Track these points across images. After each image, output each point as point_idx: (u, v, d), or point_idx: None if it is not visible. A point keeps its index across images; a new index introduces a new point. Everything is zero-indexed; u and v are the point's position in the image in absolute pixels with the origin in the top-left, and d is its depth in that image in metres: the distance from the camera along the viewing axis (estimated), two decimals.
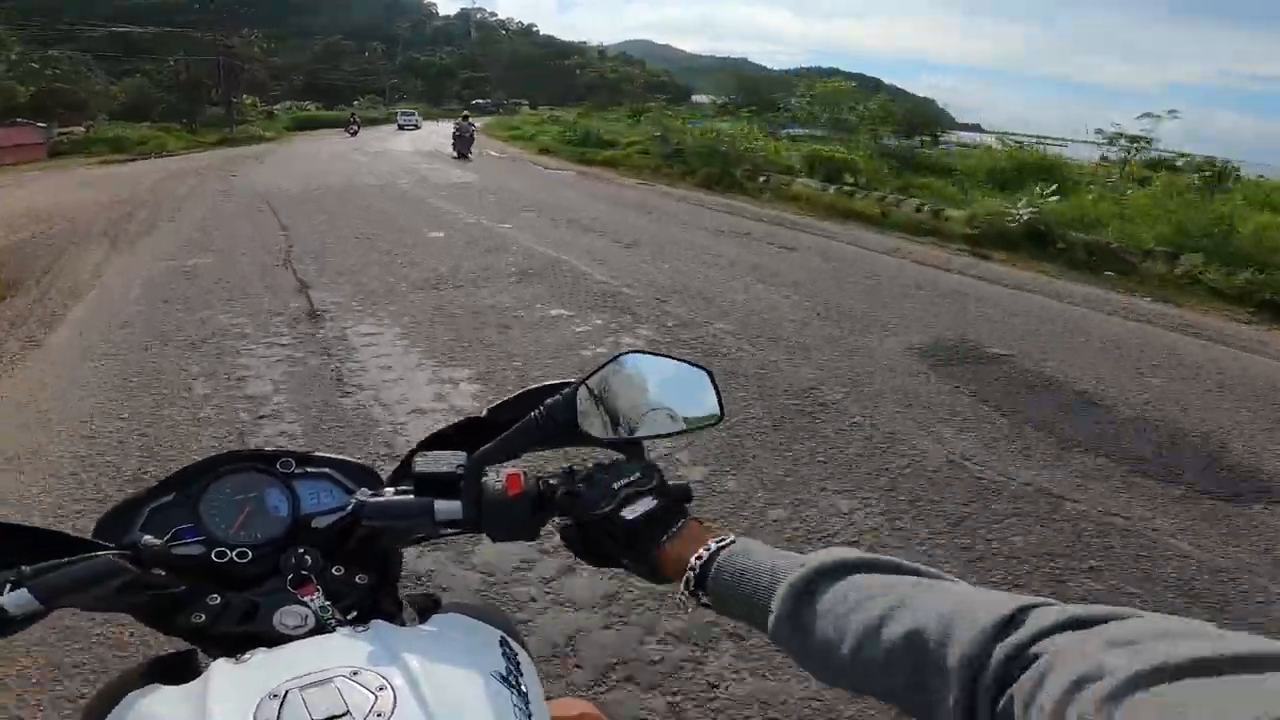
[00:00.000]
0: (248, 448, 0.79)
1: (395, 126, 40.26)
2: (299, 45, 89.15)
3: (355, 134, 31.10)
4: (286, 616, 0.58)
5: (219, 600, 0.59)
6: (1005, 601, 0.36)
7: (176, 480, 0.65)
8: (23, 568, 0.51)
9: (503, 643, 0.56)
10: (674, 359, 0.64)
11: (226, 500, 0.64)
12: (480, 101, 76.32)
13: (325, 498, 0.67)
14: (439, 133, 30.76)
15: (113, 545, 0.59)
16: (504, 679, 0.51)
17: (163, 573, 0.58)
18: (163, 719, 0.47)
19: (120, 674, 0.54)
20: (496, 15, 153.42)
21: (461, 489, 0.59)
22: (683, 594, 0.51)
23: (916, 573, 0.43)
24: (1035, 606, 0.36)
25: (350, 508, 0.62)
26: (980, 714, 0.33)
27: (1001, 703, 0.33)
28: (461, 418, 0.68)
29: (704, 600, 0.51)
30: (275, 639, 0.56)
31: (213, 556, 0.62)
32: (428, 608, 0.62)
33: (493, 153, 22.76)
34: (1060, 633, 0.33)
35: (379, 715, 0.45)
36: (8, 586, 0.50)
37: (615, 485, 0.58)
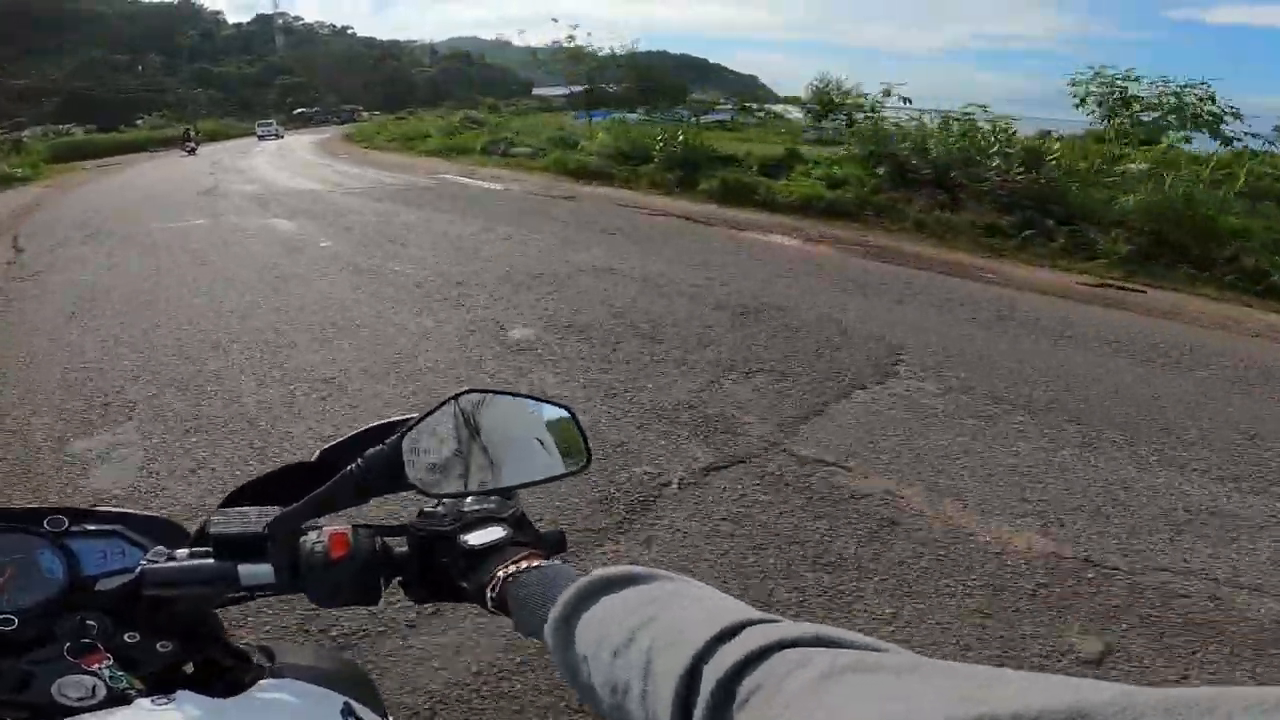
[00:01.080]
0: (13, 506, 0.62)
1: (233, 143, 35.21)
2: (54, 63, 72.41)
3: (193, 152, 26.94)
4: (67, 687, 0.51)
5: None
6: (726, 613, 0.35)
7: None
8: None
9: (345, 711, 0.50)
10: (527, 396, 0.57)
11: None
12: (304, 111, 66.34)
13: (113, 558, 0.59)
14: (301, 145, 28.40)
15: None
16: None
17: None
18: None
19: None
20: (301, 19, 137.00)
21: (269, 552, 0.52)
22: (490, 612, 0.50)
23: (683, 582, 0.41)
24: (756, 623, 0.33)
25: (136, 573, 0.55)
26: None
27: None
28: (283, 464, 0.61)
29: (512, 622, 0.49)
30: (57, 709, 0.50)
31: None
32: (260, 665, 0.56)
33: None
34: (776, 653, 0.31)
35: None
36: None
37: (463, 508, 0.56)
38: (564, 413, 0.57)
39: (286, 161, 20.67)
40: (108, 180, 15.17)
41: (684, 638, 0.34)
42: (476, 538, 0.54)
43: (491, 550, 0.53)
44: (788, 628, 0.32)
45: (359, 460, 0.52)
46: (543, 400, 0.57)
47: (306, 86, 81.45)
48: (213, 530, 0.55)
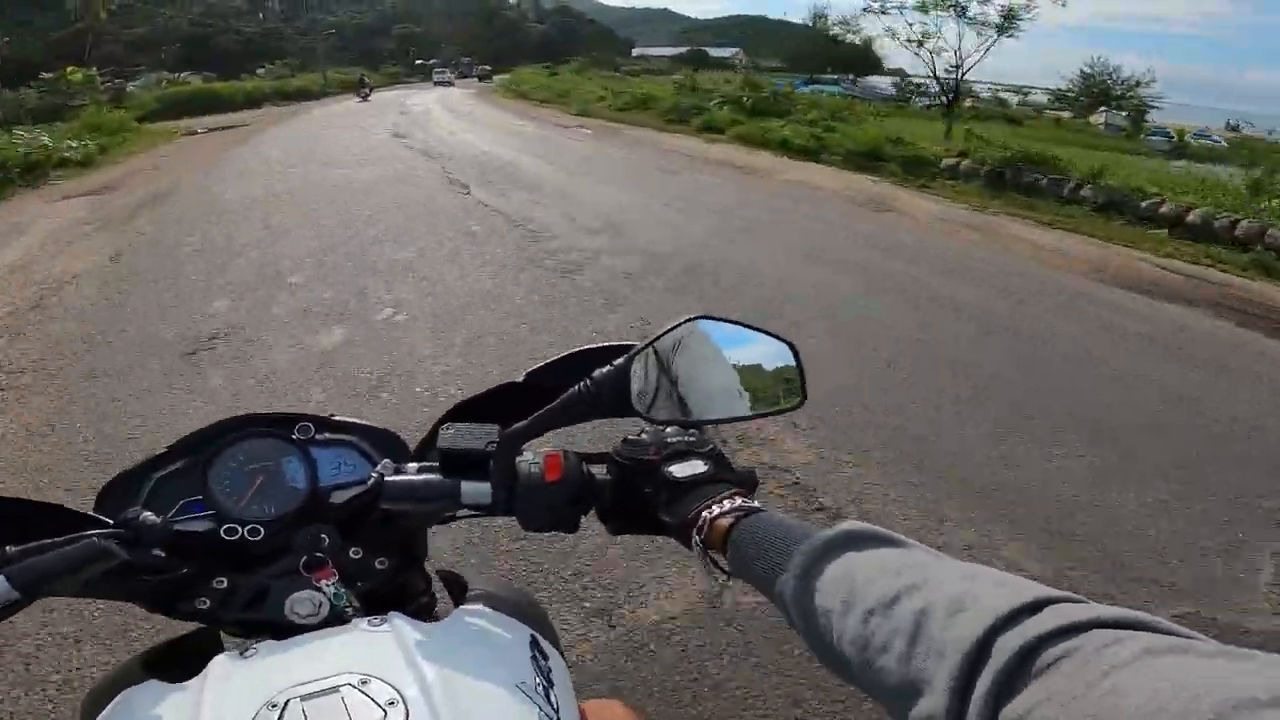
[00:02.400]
0: (264, 411, 0.62)
1: (402, 92, 32.98)
2: (179, 9, 69.91)
3: (367, 98, 26.06)
4: (298, 604, 0.54)
5: (225, 584, 0.55)
6: (1025, 589, 0.34)
7: (184, 446, 0.59)
8: (8, 548, 0.48)
9: (533, 644, 0.52)
10: (753, 328, 0.54)
11: (238, 470, 0.58)
12: (423, 62, 60.85)
13: (346, 469, 0.60)
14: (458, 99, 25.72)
15: (110, 522, 0.53)
16: (532, 691, 0.47)
17: (162, 554, 0.53)
18: None
19: (124, 663, 0.52)
20: None
21: (491, 470, 0.53)
22: (699, 553, 0.49)
23: (937, 555, 0.40)
24: (1059, 600, 0.33)
25: (370, 484, 0.56)
26: (973, 703, 0.30)
27: (998, 694, 0.30)
28: (496, 384, 0.61)
29: (723, 565, 0.49)
30: (286, 626, 0.53)
31: (221, 533, 0.56)
32: (454, 593, 0.58)
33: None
34: (1084, 632, 0.30)
35: None
36: None
37: (667, 439, 0.55)
38: (787, 348, 0.55)
39: (500, 134, 14.27)
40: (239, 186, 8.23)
41: (973, 606, 0.33)
42: (681, 470, 0.53)
43: (695, 484, 0.52)
44: (1097, 607, 0.31)
45: (588, 380, 0.51)
46: (770, 334, 0.55)
47: (425, 37, 75.97)
48: (442, 445, 0.54)
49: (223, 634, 0.57)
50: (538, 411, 0.53)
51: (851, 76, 39.37)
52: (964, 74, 16.94)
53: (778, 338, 0.55)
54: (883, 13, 17.08)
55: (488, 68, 48.43)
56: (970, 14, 15.76)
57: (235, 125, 17.29)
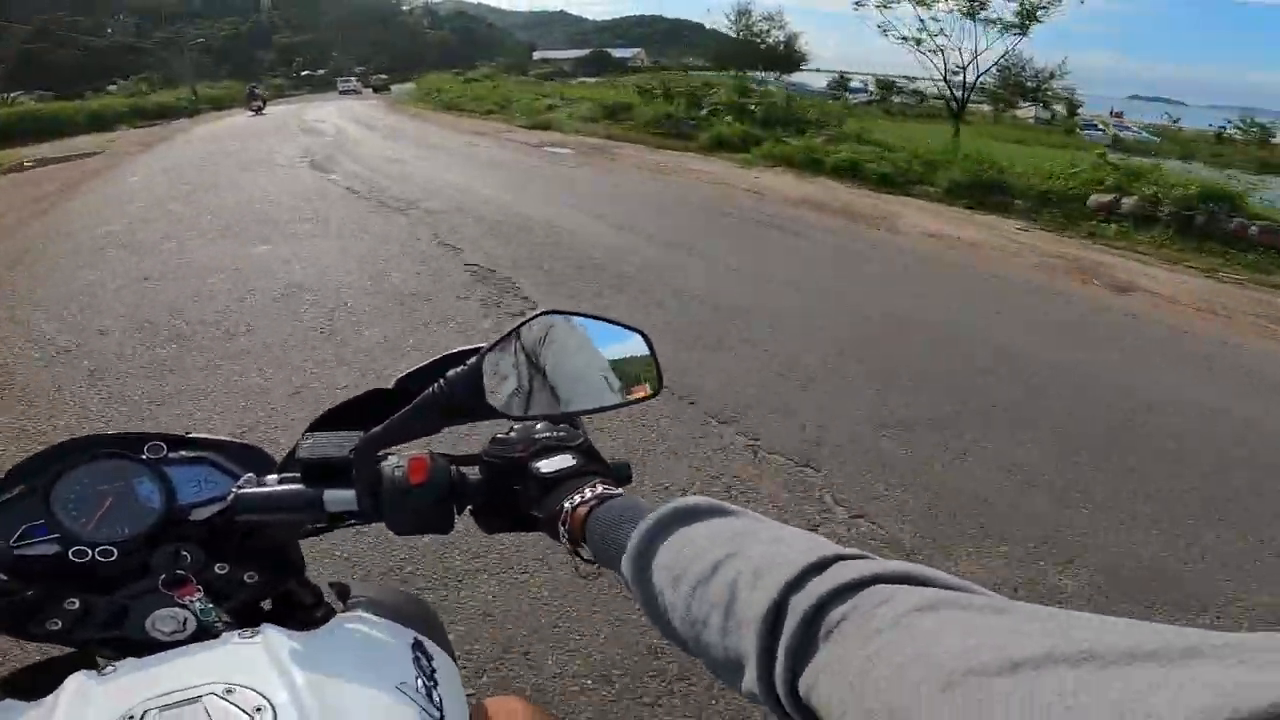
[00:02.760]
0: (110, 433, 0.60)
1: (295, 106, 28.91)
2: (6, 26, 59.40)
3: (260, 111, 23.79)
4: (160, 621, 0.52)
5: (77, 605, 0.53)
6: (818, 548, 0.34)
7: (20, 471, 0.57)
8: None
9: (415, 646, 0.51)
10: (602, 319, 0.54)
11: (84, 491, 0.56)
12: (311, 73, 54.48)
13: (206, 486, 0.59)
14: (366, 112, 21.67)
15: None
16: (413, 690, 0.46)
17: (4, 577, 0.52)
18: None
19: None
20: None
21: (354, 477, 0.52)
22: (564, 546, 0.49)
23: (758, 520, 0.40)
24: (846, 558, 0.33)
25: (229, 498, 0.55)
26: (776, 673, 0.30)
27: (794, 662, 0.30)
28: (362, 391, 0.59)
29: (584, 555, 0.48)
30: (152, 645, 0.51)
31: (70, 556, 0.54)
32: (342, 600, 0.58)
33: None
34: (865, 589, 0.30)
35: None
36: None
37: (535, 435, 0.55)
38: (638, 337, 0.54)
39: (456, 159, 10.96)
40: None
41: (771, 571, 0.33)
42: (548, 465, 0.53)
43: (562, 478, 0.53)
44: (879, 564, 0.31)
45: (440, 381, 0.51)
46: (618, 324, 0.54)
47: (313, 45, 68.81)
48: (300, 454, 0.54)
49: (98, 658, 0.54)
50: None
51: (777, 74, 37.68)
52: (981, 74, 15.29)
53: (629, 327, 0.54)
54: (884, 7, 14.86)
55: (383, 77, 42.86)
56: (980, 12, 14.33)
57: (80, 154, 12.57)
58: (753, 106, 12.25)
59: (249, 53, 64.98)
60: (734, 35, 43.81)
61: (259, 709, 0.41)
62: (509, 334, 0.51)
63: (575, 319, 0.53)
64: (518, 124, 15.47)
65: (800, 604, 0.30)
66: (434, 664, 0.51)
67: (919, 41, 15.10)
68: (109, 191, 8.05)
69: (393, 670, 0.48)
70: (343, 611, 0.55)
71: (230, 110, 27.67)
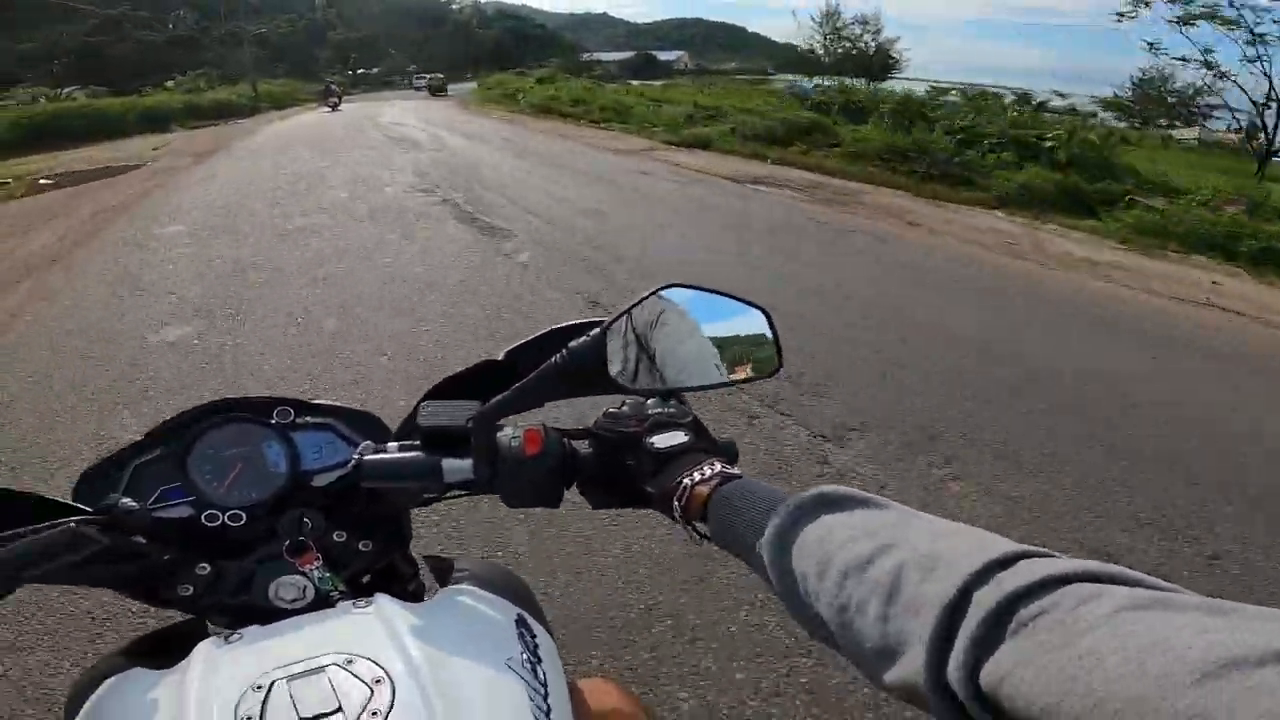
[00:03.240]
0: (242, 396, 0.61)
1: (362, 106, 26.73)
2: (73, 22, 59.19)
3: (336, 107, 22.58)
4: (283, 589, 0.54)
5: (208, 570, 0.54)
6: (998, 544, 0.33)
7: (161, 433, 0.58)
8: None
9: (519, 622, 0.52)
10: (725, 295, 0.54)
11: (218, 456, 0.57)
12: (366, 71, 52.84)
13: (327, 452, 0.59)
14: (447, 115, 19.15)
15: (89, 510, 0.53)
16: (520, 667, 0.47)
17: (143, 540, 0.52)
18: (140, 708, 0.44)
19: (108, 653, 0.52)
20: None
21: (472, 447, 0.52)
22: (679, 522, 0.50)
23: (913, 513, 0.40)
24: (1033, 555, 0.32)
25: (352, 465, 0.55)
26: (951, 661, 0.30)
27: (977, 652, 0.29)
28: (476, 361, 0.60)
29: (702, 531, 0.49)
30: (271, 611, 0.53)
31: (203, 520, 0.55)
32: (441, 576, 0.57)
33: None
34: (1061, 587, 0.29)
35: (374, 714, 0.40)
36: None
37: (648, 411, 0.55)
38: (760, 314, 0.54)
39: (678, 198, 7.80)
40: None
41: (947, 563, 0.33)
42: (662, 440, 0.53)
43: (676, 455, 0.52)
44: (1071, 562, 0.30)
45: (563, 352, 0.51)
46: (742, 300, 0.54)
47: (368, 42, 67.36)
48: (421, 422, 0.54)
49: (209, 624, 0.56)
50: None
51: (867, 81, 33.98)
52: None
53: (750, 304, 0.54)
54: (1184, 23, 12.27)
55: (440, 76, 39.71)
56: None
57: (119, 167, 10.06)
58: (1050, 144, 8.73)
59: (306, 50, 63.68)
60: (807, 39, 40.14)
61: (378, 681, 0.42)
62: (631, 306, 0.51)
63: (698, 292, 0.52)
64: (659, 139, 12.42)
65: (986, 597, 0.30)
66: (536, 640, 0.51)
67: (1209, 66, 12.76)
68: (125, 262, 4.82)
69: (501, 645, 0.48)
70: (447, 585, 0.54)
71: (292, 109, 25.36)
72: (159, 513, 0.54)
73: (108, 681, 0.47)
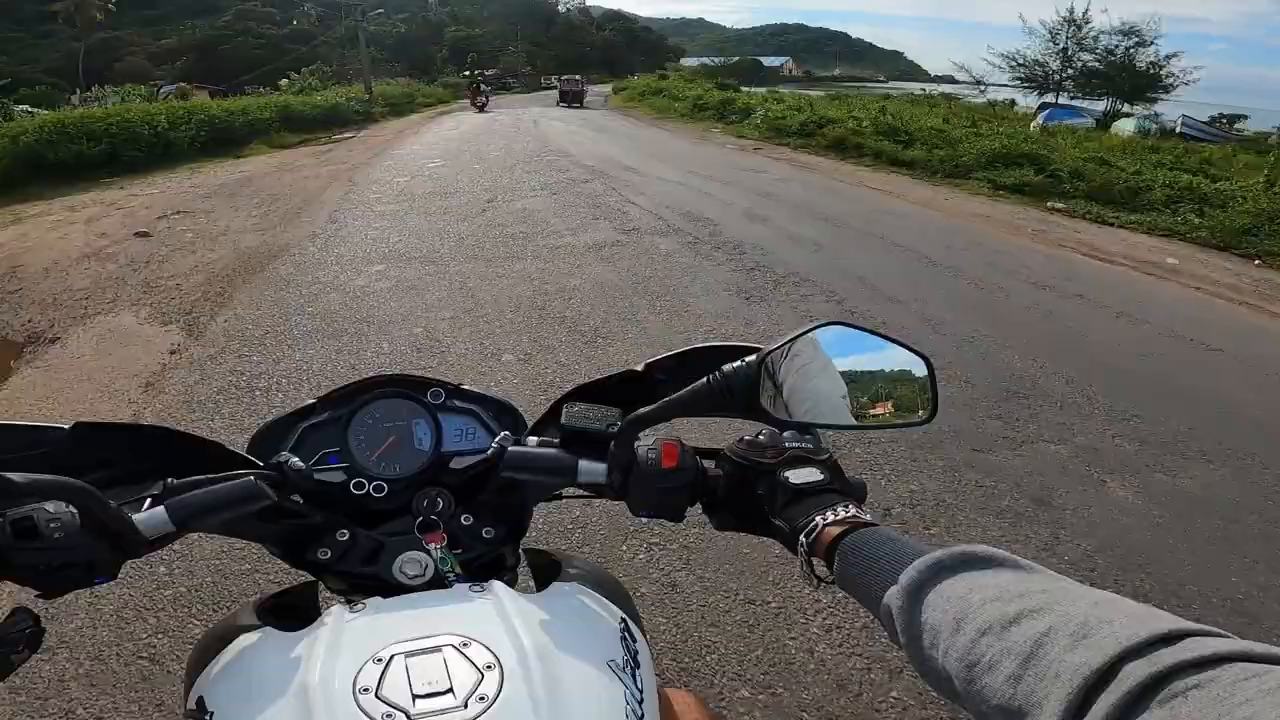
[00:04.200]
0: (402, 373, 0.63)
1: (505, 113, 21.91)
2: (194, 24, 58.56)
3: (483, 108, 20.59)
4: (407, 564, 0.56)
5: (346, 537, 0.57)
6: (1163, 620, 0.32)
7: (331, 400, 0.61)
8: (170, 480, 0.50)
9: (623, 627, 0.52)
10: (888, 338, 0.53)
11: (374, 426, 0.60)
12: (483, 74, 48.67)
13: (468, 437, 0.62)
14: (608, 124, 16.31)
15: (261, 464, 0.56)
16: (620, 670, 0.47)
17: (300, 500, 0.56)
18: (269, 669, 0.45)
19: (234, 611, 0.54)
20: None
21: (610, 451, 0.53)
22: (800, 558, 0.49)
23: (1065, 580, 0.38)
24: (1200, 634, 0.30)
25: (490, 452, 0.58)
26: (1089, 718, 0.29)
27: (1118, 714, 0.28)
28: (617, 370, 0.62)
29: (820, 571, 0.49)
30: (392, 584, 0.55)
31: (351, 486, 0.59)
32: (548, 570, 0.58)
33: None
34: (1224, 664, 0.27)
35: (482, 699, 0.41)
36: (148, 502, 0.49)
37: (786, 444, 0.55)
38: (921, 362, 0.53)
39: None
40: None
41: (1100, 633, 0.32)
42: (797, 475, 0.52)
43: (809, 491, 0.52)
44: (1240, 643, 0.29)
45: (718, 373, 0.51)
46: (904, 345, 0.53)
47: (488, 39, 63.62)
48: (566, 422, 0.55)
49: (325, 588, 0.58)
50: (661, 399, 0.52)
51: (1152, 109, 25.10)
52: None
53: (913, 350, 0.53)
54: None
55: (578, 78, 33.25)
56: None
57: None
58: None
59: (423, 49, 60.60)
60: (1041, 49, 31.40)
61: (489, 666, 0.43)
62: (792, 338, 0.50)
63: (861, 333, 0.52)
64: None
65: (1138, 669, 0.29)
66: (636, 646, 0.51)
67: None
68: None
69: (604, 646, 0.49)
70: (556, 581, 0.55)
71: (415, 119, 19.95)
72: (319, 474, 0.57)
73: (239, 639, 0.49)
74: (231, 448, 0.56)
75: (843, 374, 0.52)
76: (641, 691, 0.47)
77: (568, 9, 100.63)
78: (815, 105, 14.80)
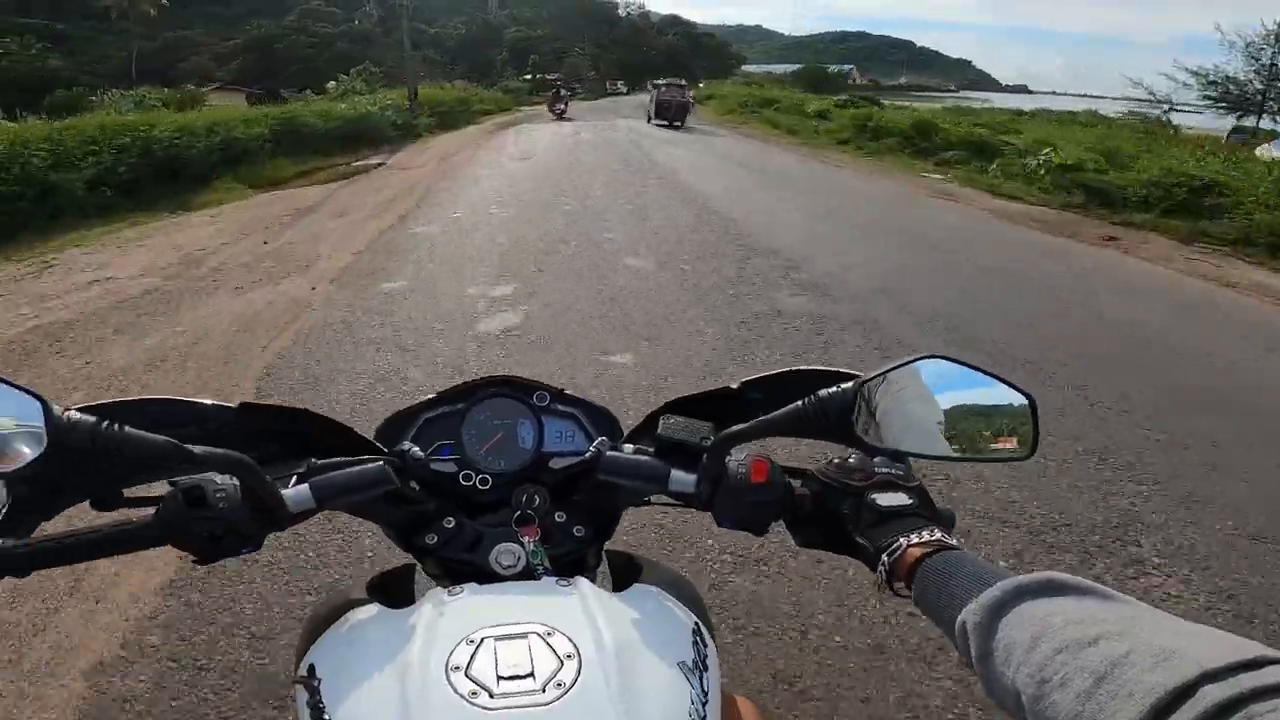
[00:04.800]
0: (515, 375, 0.67)
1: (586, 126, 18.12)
2: (259, 24, 56.65)
3: (562, 115, 18.22)
4: (502, 555, 0.58)
5: (453, 524, 0.59)
6: (1247, 647, 0.31)
7: (451, 395, 0.65)
8: (313, 460, 0.54)
9: (695, 630, 0.54)
10: (992, 375, 0.52)
11: (486, 423, 0.64)
12: (545, 77, 44.84)
13: (568, 440, 0.65)
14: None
15: (386, 451, 0.60)
16: (690, 671, 0.49)
17: (417, 487, 0.59)
18: (375, 643, 0.49)
19: (347, 587, 0.57)
20: None
21: (701, 464, 0.55)
22: (880, 577, 0.50)
23: (1150, 609, 0.38)
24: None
25: (588, 455, 0.61)
26: None
27: None
28: (713, 387, 0.64)
29: (901, 593, 0.50)
30: (487, 573, 0.58)
31: (460, 478, 0.62)
32: (627, 572, 0.60)
33: None
34: None
35: (559, 685, 0.43)
36: (294, 479, 0.53)
37: (875, 468, 0.56)
38: (1024, 400, 0.53)
39: None
40: None
41: (1182, 658, 0.31)
42: (885, 499, 0.54)
43: (897, 515, 0.53)
44: None
45: (813, 397, 0.52)
46: (1008, 383, 0.53)
47: (549, 41, 59.88)
48: (662, 432, 0.58)
49: (424, 572, 0.62)
50: (754, 419, 0.54)
51: None
52: None
53: (1017, 388, 0.53)
54: None
55: (681, 83, 25.49)
56: None
57: None
58: None
59: (483, 52, 57.17)
60: (1247, 64, 25.49)
61: (569, 656, 0.45)
62: (892, 367, 0.51)
63: (961, 368, 0.52)
64: None
65: (1215, 692, 0.29)
66: (706, 651, 0.53)
67: None
68: None
69: (677, 648, 0.50)
70: (636, 582, 0.57)
71: (469, 135, 15.72)
72: (434, 464, 0.61)
73: (351, 613, 0.52)
74: (363, 434, 0.61)
75: (941, 406, 0.52)
76: (706, 694, 0.48)
77: (628, 12, 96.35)
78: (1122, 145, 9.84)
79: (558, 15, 79.27)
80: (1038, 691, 0.34)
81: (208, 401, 0.58)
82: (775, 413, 0.53)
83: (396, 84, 25.09)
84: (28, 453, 0.43)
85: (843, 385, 0.51)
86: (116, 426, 0.45)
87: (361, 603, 0.53)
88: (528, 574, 0.57)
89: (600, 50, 66.40)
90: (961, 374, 0.52)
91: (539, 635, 0.46)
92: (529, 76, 44.80)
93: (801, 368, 0.61)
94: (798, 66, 62.56)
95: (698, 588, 0.61)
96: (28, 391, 0.44)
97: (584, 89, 47.12)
